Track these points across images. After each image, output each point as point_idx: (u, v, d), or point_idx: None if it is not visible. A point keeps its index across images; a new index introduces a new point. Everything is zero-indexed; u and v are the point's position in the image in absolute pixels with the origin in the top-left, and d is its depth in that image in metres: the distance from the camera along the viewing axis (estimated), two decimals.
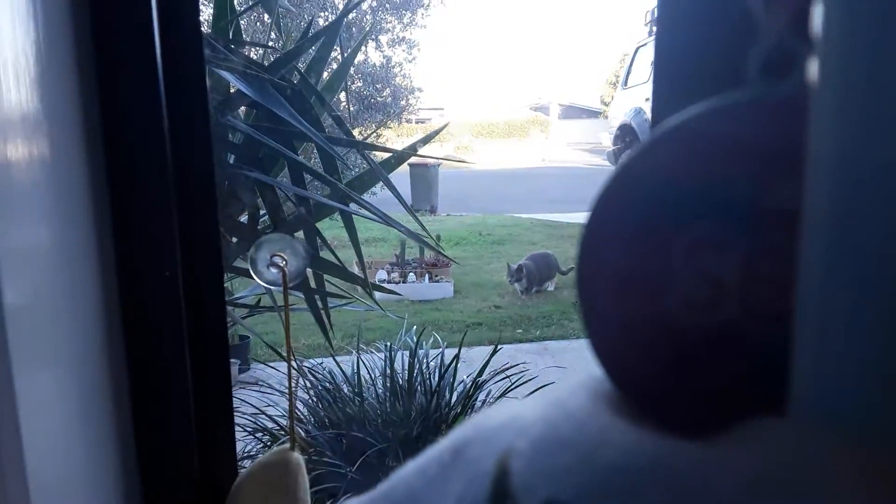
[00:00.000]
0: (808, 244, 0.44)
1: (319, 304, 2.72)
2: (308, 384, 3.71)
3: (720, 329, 0.50)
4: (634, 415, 0.49)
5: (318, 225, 2.65)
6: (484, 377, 3.81)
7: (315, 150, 2.78)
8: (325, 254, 2.76)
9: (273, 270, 1.39)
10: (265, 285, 1.39)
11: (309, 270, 2.70)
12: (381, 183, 2.86)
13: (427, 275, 9.72)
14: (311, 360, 4.40)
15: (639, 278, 0.51)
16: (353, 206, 2.68)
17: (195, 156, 1.19)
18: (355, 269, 3.14)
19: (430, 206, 16.20)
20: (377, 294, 7.69)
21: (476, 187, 20.48)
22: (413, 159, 15.29)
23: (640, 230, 0.52)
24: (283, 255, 1.39)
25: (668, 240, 0.51)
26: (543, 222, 14.62)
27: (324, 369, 3.89)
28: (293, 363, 3.12)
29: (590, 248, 0.53)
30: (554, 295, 9.55)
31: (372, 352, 4.42)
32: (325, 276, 2.79)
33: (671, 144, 0.51)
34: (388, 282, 9.36)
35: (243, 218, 2.59)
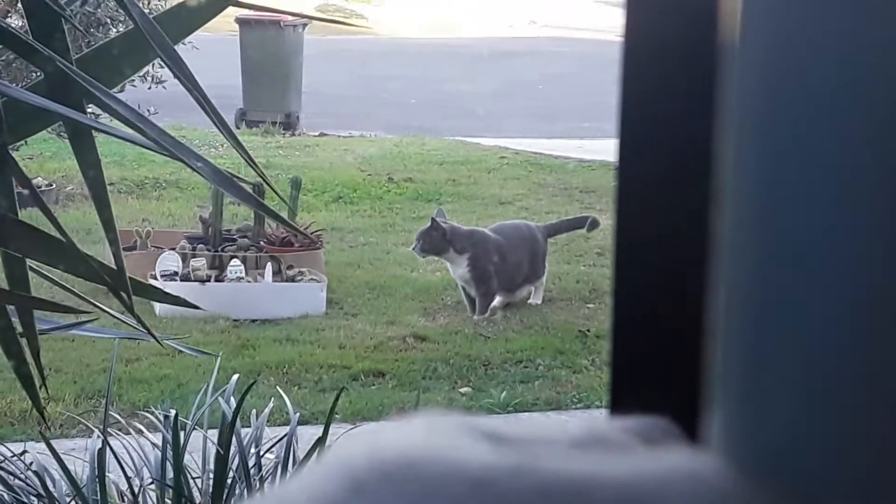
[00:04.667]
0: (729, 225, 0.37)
1: (17, 324, 1.80)
2: None
3: None
4: None
5: (19, 153, 1.67)
6: None
7: None
8: (31, 216, 1.91)
9: None
10: None
11: None
12: (162, 65, 1.88)
13: (272, 265, 5.99)
14: (2, 447, 2.83)
15: None
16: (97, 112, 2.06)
17: None
18: (106, 251, 1.97)
19: (285, 115, 10.87)
20: (160, 307, 5.51)
21: (385, 78, 13.55)
22: (245, 13, 10.92)
23: None
24: None
25: None
26: (526, 155, 9.85)
27: (26, 468, 2.44)
28: None
29: None
30: (541, 313, 6.07)
31: (141, 430, 2.80)
32: (31, 266, 1.79)
33: None
34: (185, 276, 5.85)
35: None
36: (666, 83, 0.45)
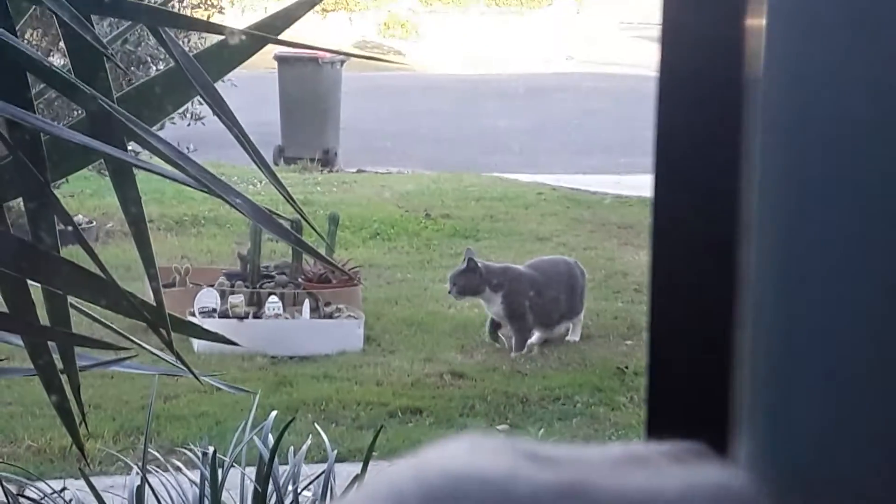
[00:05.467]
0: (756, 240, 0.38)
1: (58, 362, 1.72)
2: None
3: None
4: None
5: (60, 191, 1.57)
6: None
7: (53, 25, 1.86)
8: (72, 253, 1.80)
9: None
10: None
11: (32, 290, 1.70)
12: (202, 102, 1.84)
13: (310, 301, 5.97)
14: (43, 484, 2.76)
15: None
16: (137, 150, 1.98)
17: None
18: (145, 288, 1.96)
19: (323, 152, 10.92)
20: (199, 344, 5.55)
21: (422, 114, 13.44)
22: (284, 50, 11.23)
23: None
24: None
25: None
26: (563, 191, 9.84)
27: None
28: None
29: None
30: (579, 350, 5.98)
31: (179, 467, 2.79)
32: (72, 302, 1.74)
33: None
34: (223, 313, 5.84)
35: None
36: (698, 118, 0.45)
